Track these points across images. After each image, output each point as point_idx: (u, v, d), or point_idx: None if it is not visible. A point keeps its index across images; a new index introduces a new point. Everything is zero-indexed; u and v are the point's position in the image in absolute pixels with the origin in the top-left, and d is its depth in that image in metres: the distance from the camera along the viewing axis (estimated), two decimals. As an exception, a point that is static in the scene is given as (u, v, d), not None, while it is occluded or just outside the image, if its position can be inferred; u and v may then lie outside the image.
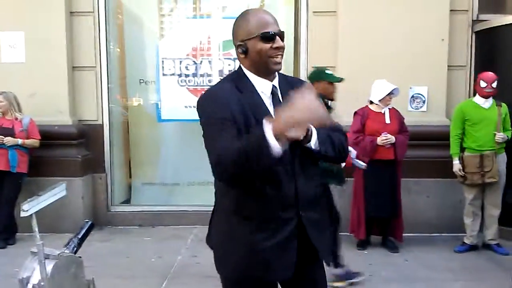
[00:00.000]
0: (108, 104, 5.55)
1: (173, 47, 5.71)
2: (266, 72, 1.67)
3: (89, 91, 5.46)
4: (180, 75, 5.68)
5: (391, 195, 4.51)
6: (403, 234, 4.62)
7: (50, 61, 5.20)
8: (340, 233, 3.76)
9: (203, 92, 1.72)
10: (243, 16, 1.67)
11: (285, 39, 1.68)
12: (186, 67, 5.67)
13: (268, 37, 1.61)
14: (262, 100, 1.65)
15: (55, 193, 2.26)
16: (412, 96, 5.16)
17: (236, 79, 1.69)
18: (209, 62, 5.69)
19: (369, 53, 5.08)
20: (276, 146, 1.39)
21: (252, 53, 1.63)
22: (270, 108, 1.65)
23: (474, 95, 4.57)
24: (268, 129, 1.39)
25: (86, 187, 5.37)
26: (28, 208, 2.10)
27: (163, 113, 5.74)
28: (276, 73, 1.71)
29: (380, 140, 4.39)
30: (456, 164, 4.48)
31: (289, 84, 1.72)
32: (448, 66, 5.16)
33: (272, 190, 1.62)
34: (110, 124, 5.60)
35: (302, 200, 1.66)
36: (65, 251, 2.29)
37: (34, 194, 2.21)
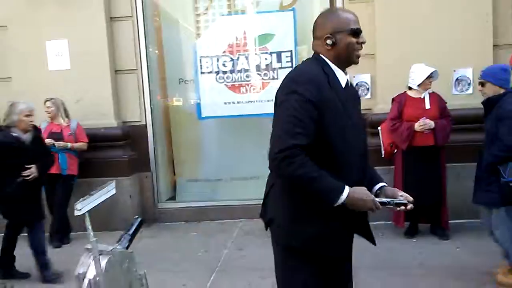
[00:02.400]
0: (151, 104, 5.70)
1: (210, 45, 5.78)
2: (347, 64, 1.87)
3: (132, 93, 5.63)
4: (218, 72, 5.74)
5: (432, 182, 4.37)
6: (451, 221, 4.49)
7: (93, 66, 5.40)
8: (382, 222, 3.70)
9: (294, 68, 1.96)
10: (333, 12, 1.94)
11: None
12: (224, 64, 5.72)
13: (356, 33, 1.83)
14: (342, 88, 1.84)
15: (105, 191, 2.36)
16: (457, 79, 4.99)
17: (321, 63, 1.85)
18: (246, 57, 5.71)
19: (408, 38, 4.94)
20: (338, 203, 1.70)
21: (341, 45, 1.83)
22: (346, 96, 1.86)
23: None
24: (345, 195, 1.70)
25: (133, 186, 5.54)
26: (81, 207, 2.19)
27: (203, 110, 5.82)
28: None
29: (418, 125, 4.25)
30: None
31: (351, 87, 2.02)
32: (493, 45, 4.95)
33: (350, 168, 1.82)
34: (153, 124, 5.75)
35: (365, 182, 1.88)
36: (118, 247, 2.38)
37: (85, 194, 2.30)
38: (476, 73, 4.91)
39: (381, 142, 4.61)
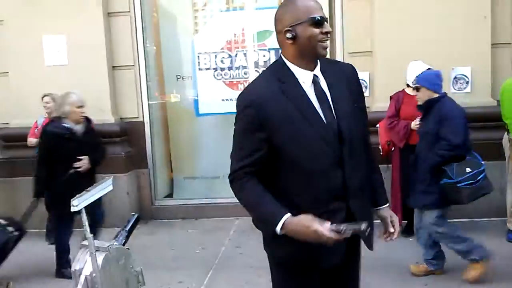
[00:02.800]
0: (148, 101, 5.68)
1: (208, 41, 5.76)
2: (313, 57, 1.67)
3: (129, 90, 5.60)
4: (216, 69, 5.72)
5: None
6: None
7: (91, 62, 5.36)
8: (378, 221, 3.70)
9: (242, 89, 1.79)
10: (290, 2, 1.66)
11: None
12: (222, 61, 5.70)
13: (318, 22, 1.62)
14: (304, 91, 1.65)
15: (102, 188, 2.34)
16: (455, 78, 4.99)
17: (277, 70, 1.69)
18: (244, 54, 5.70)
19: (407, 36, 4.93)
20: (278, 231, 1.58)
21: (302, 38, 1.62)
22: (313, 97, 1.65)
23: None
24: (279, 227, 1.57)
25: (130, 183, 5.52)
26: (78, 203, 2.18)
27: (201, 107, 5.81)
28: (318, 60, 1.70)
29: (414, 124, 4.25)
30: None
31: (336, 69, 1.76)
32: (491, 44, 4.94)
33: (319, 180, 1.64)
34: (150, 121, 5.73)
35: (351, 189, 1.67)
36: (114, 243, 2.37)
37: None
38: (475, 72, 4.94)
39: (379, 140, 4.62)
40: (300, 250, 1.64)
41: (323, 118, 1.63)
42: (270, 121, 1.60)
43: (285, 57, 1.69)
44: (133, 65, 5.58)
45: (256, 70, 5.64)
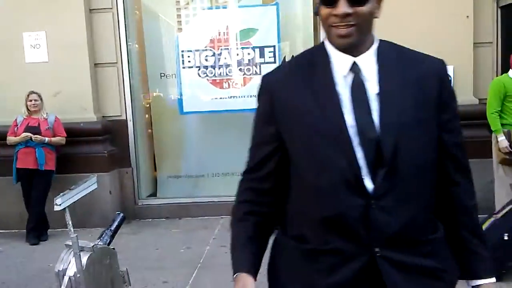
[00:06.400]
0: (131, 99, 5.60)
1: (192, 39, 5.71)
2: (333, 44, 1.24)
3: (112, 87, 5.52)
4: (199, 67, 5.67)
5: None
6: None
7: (72, 59, 5.26)
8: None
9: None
10: None
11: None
12: (206, 59, 5.66)
13: (329, 0, 1.17)
14: (333, 81, 1.21)
15: (86, 186, 2.29)
16: (437, 77, 5.05)
17: (314, 51, 1.30)
18: (228, 52, 5.66)
19: (389, 36, 4.80)
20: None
21: (321, 19, 1.23)
22: (344, 91, 1.20)
23: (503, 72, 4.44)
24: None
25: (113, 182, 5.44)
26: (61, 202, 2.13)
27: (185, 105, 5.75)
28: (376, 43, 1.26)
29: None
30: (503, 141, 4.19)
31: (407, 62, 1.27)
32: (474, 43, 5.02)
33: (327, 201, 1.19)
34: (133, 119, 5.65)
35: (379, 231, 1.16)
36: (99, 243, 2.32)
37: (63, 191, 2.23)
38: (457, 71, 5.00)
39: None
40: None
41: (345, 121, 1.17)
42: (278, 112, 1.23)
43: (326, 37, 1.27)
44: (116, 63, 5.50)
45: (240, 69, 5.62)
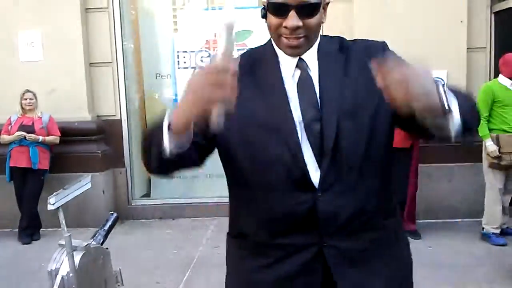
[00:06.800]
0: (126, 99, 5.60)
1: (188, 40, 5.71)
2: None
3: (107, 87, 5.50)
4: (195, 68, 5.67)
5: (399, 182, 4.42)
6: (424, 221, 4.57)
7: (67, 58, 5.24)
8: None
9: None
10: None
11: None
12: (201, 60, 5.67)
13: (277, 9, 1.12)
14: (281, 80, 1.21)
15: (80, 185, 2.29)
16: (431, 81, 5.08)
17: (264, 50, 1.28)
18: (224, 53, 5.66)
19: (383, 39, 4.99)
20: (167, 139, 1.04)
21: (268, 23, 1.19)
22: (292, 87, 1.20)
23: (495, 77, 4.47)
24: (166, 118, 1.05)
25: (107, 182, 5.42)
26: (55, 201, 2.13)
27: (180, 106, 5.74)
28: (318, 39, 1.24)
29: None
30: (492, 145, 4.22)
31: (344, 49, 1.26)
32: (467, 48, 5.06)
33: (272, 199, 1.19)
34: (128, 119, 5.65)
35: (327, 223, 1.17)
36: (92, 243, 2.32)
37: (56, 190, 2.22)
38: (451, 75, 5.04)
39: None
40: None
41: (293, 118, 1.17)
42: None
43: None
44: (111, 62, 5.48)
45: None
